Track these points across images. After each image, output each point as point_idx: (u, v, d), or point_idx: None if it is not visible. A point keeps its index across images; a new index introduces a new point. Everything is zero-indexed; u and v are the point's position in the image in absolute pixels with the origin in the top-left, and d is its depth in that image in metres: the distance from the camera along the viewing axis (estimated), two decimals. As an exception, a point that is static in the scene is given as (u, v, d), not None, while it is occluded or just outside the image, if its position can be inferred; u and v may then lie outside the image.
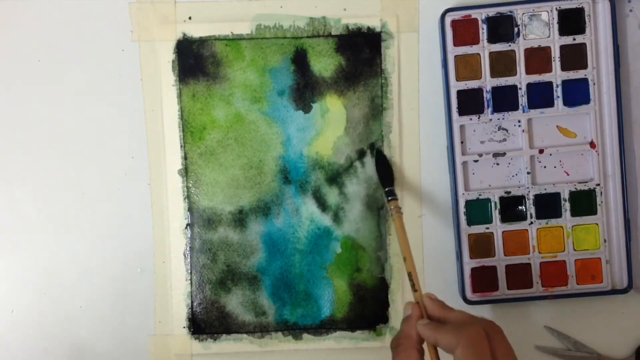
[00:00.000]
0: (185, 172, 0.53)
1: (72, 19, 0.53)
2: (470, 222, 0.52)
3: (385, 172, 0.52)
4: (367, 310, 0.53)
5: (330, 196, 0.53)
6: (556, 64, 0.51)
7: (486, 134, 0.52)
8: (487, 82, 0.52)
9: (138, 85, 0.53)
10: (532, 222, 0.52)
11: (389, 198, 0.50)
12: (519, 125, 0.52)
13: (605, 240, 0.52)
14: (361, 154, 0.53)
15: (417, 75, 0.53)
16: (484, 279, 0.52)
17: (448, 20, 0.51)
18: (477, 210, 0.52)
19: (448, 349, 0.39)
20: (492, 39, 0.51)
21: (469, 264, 0.52)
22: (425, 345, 0.42)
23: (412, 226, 0.53)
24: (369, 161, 0.53)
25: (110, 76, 0.53)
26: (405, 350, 0.40)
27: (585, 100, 0.52)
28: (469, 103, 0.52)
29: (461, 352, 0.38)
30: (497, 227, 0.52)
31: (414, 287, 0.44)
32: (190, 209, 0.53)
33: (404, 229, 0.47)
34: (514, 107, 0.52)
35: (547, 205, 0.52)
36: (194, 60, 0.53)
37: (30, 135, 0.53)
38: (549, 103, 0.52)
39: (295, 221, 0.53)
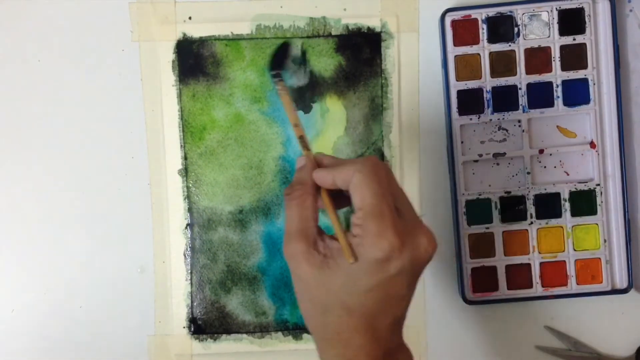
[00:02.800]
0: (185, 172, 0.53)
1: (72, 19, 0.53)
2: (470, 222, 0.52)
3: (277, 57, 0.52)
4: (367, 310, 0.53)
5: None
6: (556, 64, 0.51)
7: (486, 134, 0.52)
8: (487, 82, 0.52)
9: (138, 85, 0.53)
10: (532, 222, 0.52)
11: (275, 79, 0.49)
12: (519, 125, 0.52)
13: (605, 240, 0.52)
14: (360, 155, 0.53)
15: (417, 75, 0.53)
16: (484, 279, 0.52)
17: (448, 20, 0.51)
18: (477, 210, 0.52)
19: (346, 183, 0.38)
20: (492, 39, 0.51)
21: (469, 264, 0.52)
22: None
23: (412, 226, 0.53)
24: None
25: (110, 76, 0.53)
26: (300, 197, 0.39)
27: (585, 100, 0.52)
28: (469, 103, 0.52)
29: (359, 177, 0.37)
30: (497, 227, 0.52)
31: (307, 148, 0.43)
32: (190, 209, 0.53)
33: (290, 103, 0.46)
34: (514, 107, 0.52)
35: (547, 205, 0.52)
36: (194, 60, 0.53)
37: (30, 135, 0.53)
38: (549, 103, 0.52)
39: (295, 221, 0.53)
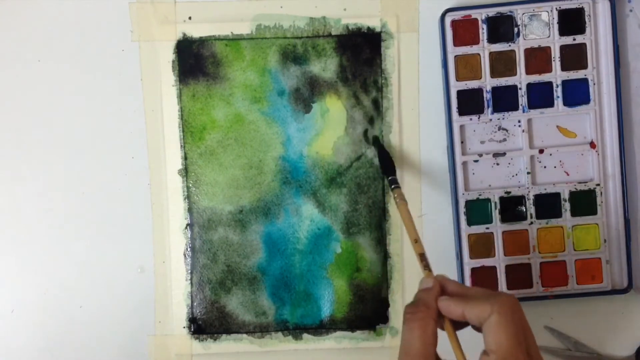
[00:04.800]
0: (185, 172, 0.53)
1: (72, 19, 0.53)
2: (470, 222, 0.52)
3: (386, 161, 0.51)
4: (367, 310, 0.53)
5: (330, 196, 0.53)
6: (556, 64, 0.51)
7: (486, 134, 0.52)
8: (487, 82, 0.52)
9: (138, 85, 0.53)
10: (532, 222, 0.52)
11: (392, 186, 0.49)
12: (519, 125, 0.52)
13: (605, 240, 0.52)
14: (360, 155, 0.53)
15: (417, 75, 0.53)
16: (484, 279, 0.52)
17: (448, 20, 0.51)
18: (477, 210, 0.52)
19: (478, 319, 0.38)
20: (492, 39, 0.51)
21: (469, 264, 0.52)
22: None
23: (412, 226, 0.53)
24: (370, 160, 0.53)
25: (110, 76, 0.53)
26: (423, 319, 0.39)
27: (585, 100, 0.52)
28: (469, 103, 0.52)
29: (497, 319, 0.36)
30: (497, 227, 0.52)
31: (428, 268, 0.43)
32: (190, 209, 0.53)
33: (409, 215, 0.46)
34: (514, 107, 0.52)
35: (547, 205, 0.52)
36: (194, 60, 0.53)
37: (30, 135, 0.53)
38: (549, 103, 0.52)
39: (295, 221, 0.53)
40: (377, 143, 0.53)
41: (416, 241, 0.44)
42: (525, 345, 0.37)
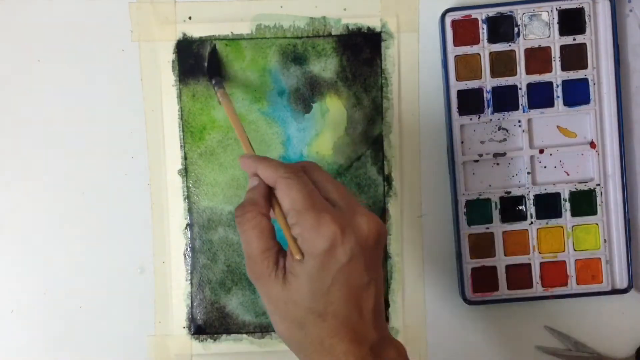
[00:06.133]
0: (185, 172, 0.53)
1: (72, 19, 0.53)
2: (470, 222, 0.52)
3: (213, 65, 0.52)
4: (367, 310, 0.53)
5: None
6: (556, 64, 0.51)
7: (486, 134, 0.52)
8: (487, 82, 0.52)
9: (138, 85, 0.53)
10: (532, 222, 0.52)
11: (216, 88, 0.50)
12: (519, 125, 0.52)
13: (605, 240, 0.52)
14: (360, 155, 0.53)
15: (417, 75, 0.53)
16: (484, 279, 0.52)
17: (448, 20, 0.51)
18: (477, 210, 0.52)
19: (271, 178, 0.39)
20: (492, 39, 0.51)
21: (469, 264, 0.52)
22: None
23: (412, 226, 0.53)
24: (370, 160, 0.53)
25: (110, 76, 0.53)
26: (253, 217, 0.39)
27: (585, 100, 0.52)
28: (469, 103, 0.52)
29: (281, 184, 0.38)
30: (497, 227, 0.52)
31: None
32: (190, 209, 0.53)
33: (234, 111, 0.47)
34: (514, 107, 0.52)
35: (547, 205, 0.52)
36: (194, 60, 0.53)
37: (30, 135, 0.53)
38: (549, 103, 0.52)
39: (295, 221, 0.53)
40: (213, 51, 0.52)
41: (244, 143, 0.45)
42: (317, 193, 0.38)
